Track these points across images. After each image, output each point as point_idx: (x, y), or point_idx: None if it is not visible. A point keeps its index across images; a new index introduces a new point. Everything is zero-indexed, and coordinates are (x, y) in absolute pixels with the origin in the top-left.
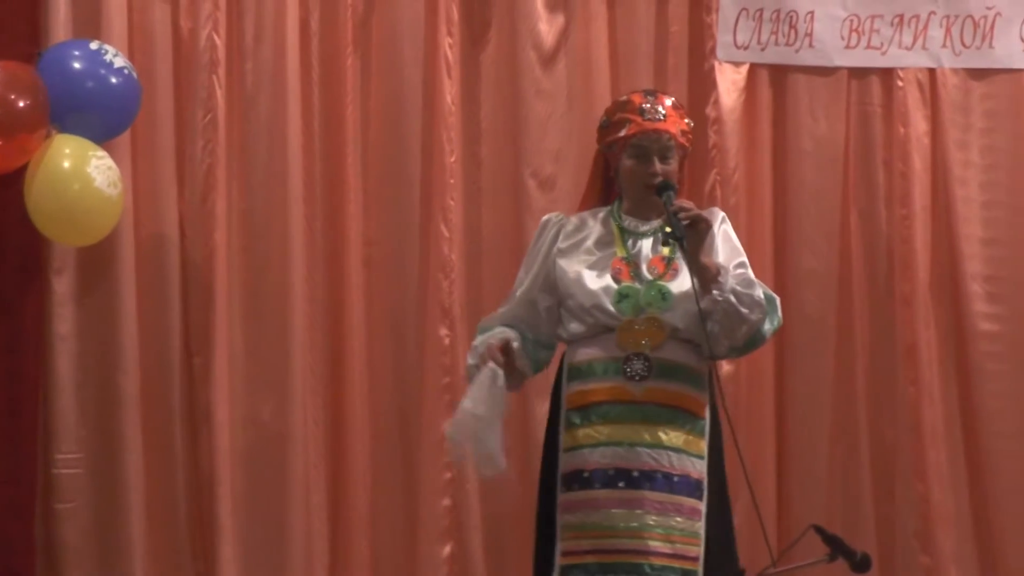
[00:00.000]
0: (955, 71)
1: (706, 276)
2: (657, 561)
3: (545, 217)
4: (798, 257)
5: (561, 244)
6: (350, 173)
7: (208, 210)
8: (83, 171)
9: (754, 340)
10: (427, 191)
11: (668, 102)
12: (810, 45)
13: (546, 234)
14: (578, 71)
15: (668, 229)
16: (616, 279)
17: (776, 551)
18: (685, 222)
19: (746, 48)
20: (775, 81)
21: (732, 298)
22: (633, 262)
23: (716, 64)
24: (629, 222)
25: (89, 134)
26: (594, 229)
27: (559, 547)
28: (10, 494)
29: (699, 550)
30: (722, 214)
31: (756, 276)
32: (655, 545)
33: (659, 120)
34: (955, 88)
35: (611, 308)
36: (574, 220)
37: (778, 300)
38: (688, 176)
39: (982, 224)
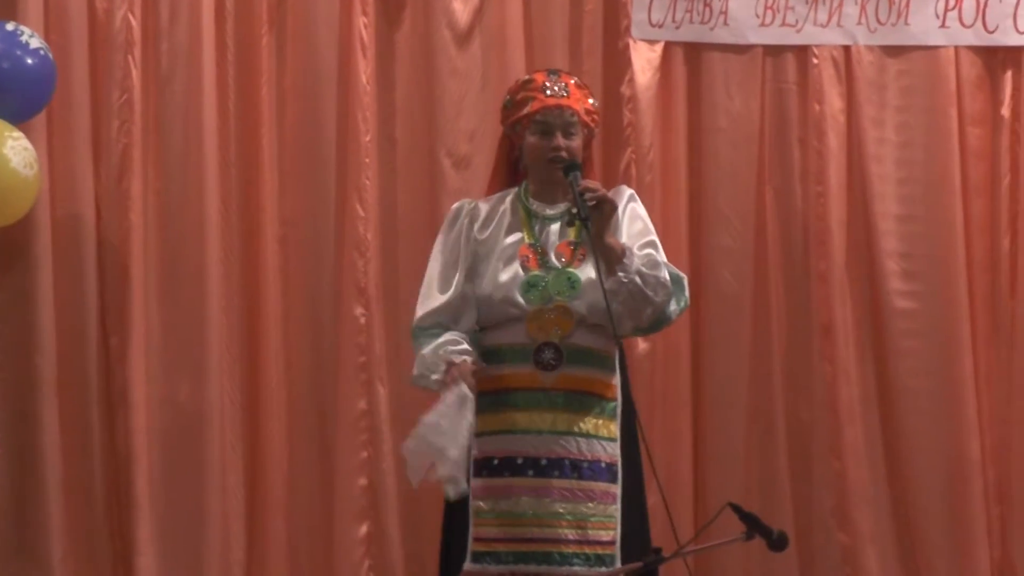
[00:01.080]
0: (870, 48)
1: (611, 257)
2: (567, 549)
3: (455, 205)
4: (713, 235)
5: (479, 235)
6: (265, 153)
7: (124, 191)
8: None
9: (659, 321)
10: (342, 170)
11: (572, 81)
12: (725, 23)
13: (460, 223)
14: (493, 50)
15: (574, 210)
16: (524, 267)
17: (693, 529)
18: (591, 203)
19: (661, 26)
20: (690, 59)
21: (637, 279)
22: (541, 248)
23: (631, 42)
24: (536, 205)
25: (5, 115)
26: (503, 215)
27: (471, 532)
28: None
29: (615, 533)
30: (630, 192)
31: (671, 254)
32: (564, 533)
33: (562, 96)
34: (870, 65)
35: (520, 300)
36: (484, 207)
37: (685, 280)
38: (603, 154)
39: (897, 201)
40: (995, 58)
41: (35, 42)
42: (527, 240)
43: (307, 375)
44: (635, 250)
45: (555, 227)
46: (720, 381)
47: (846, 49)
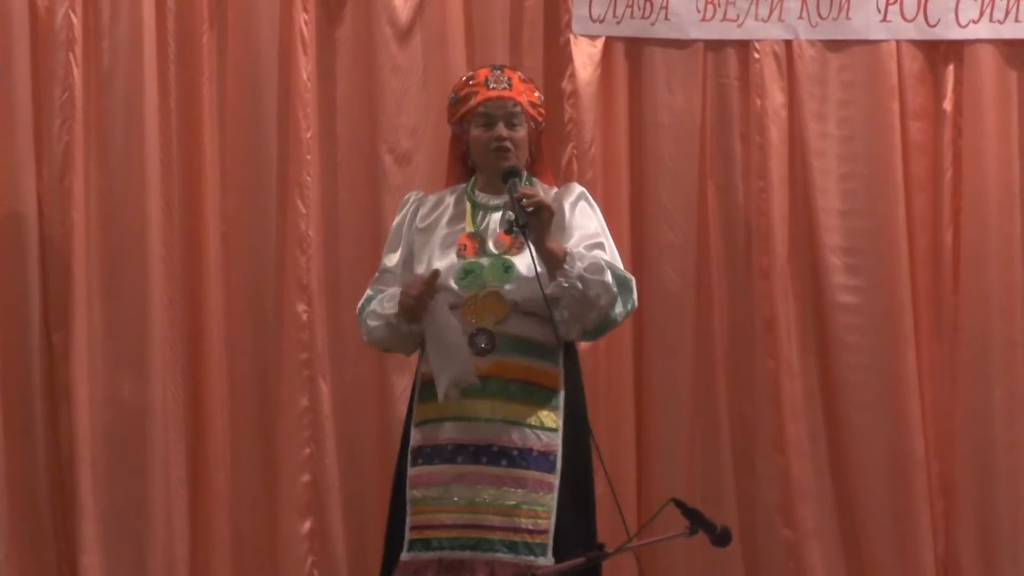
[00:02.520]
0: (812, 43)
1: (552, 262)
2: (492, 535)
3: (406, 195)
4: (656, 231)
5: (419, 223)
6: (207, 150)
7: (66, 188)
8: None
9: (605, 324)
10: (283, 167)
11: (516, 75)
12: (666, 18)
13: (405, 211)
14: (434, 46)
15: (512, 216)
16: (460, 255)
17: (636, 525)
18: (529, 209)
19: (602, 21)
20: (631, 54)
21: (579, 284)
22: (480, 237)
23: (572, 38)
24: (482, 197)
25: None
26: (448, 207)
27: (408, 521)
28: None
29: (547, 523)
30: (581, 189)
31: (615, 250)
32: (491, 519)
33: (504, 88)
34: (812, 60)
35: (454, 286)
36: (432, 198)
37: (633, 282)
38: (545, 150)
39: (840, 196)
40: (937, 52)
41: None
42: (468, 229)
43: (250, 372)
44: (581, 251)
45: (496, 215)
46: (663, 377)
47: (787, 44)
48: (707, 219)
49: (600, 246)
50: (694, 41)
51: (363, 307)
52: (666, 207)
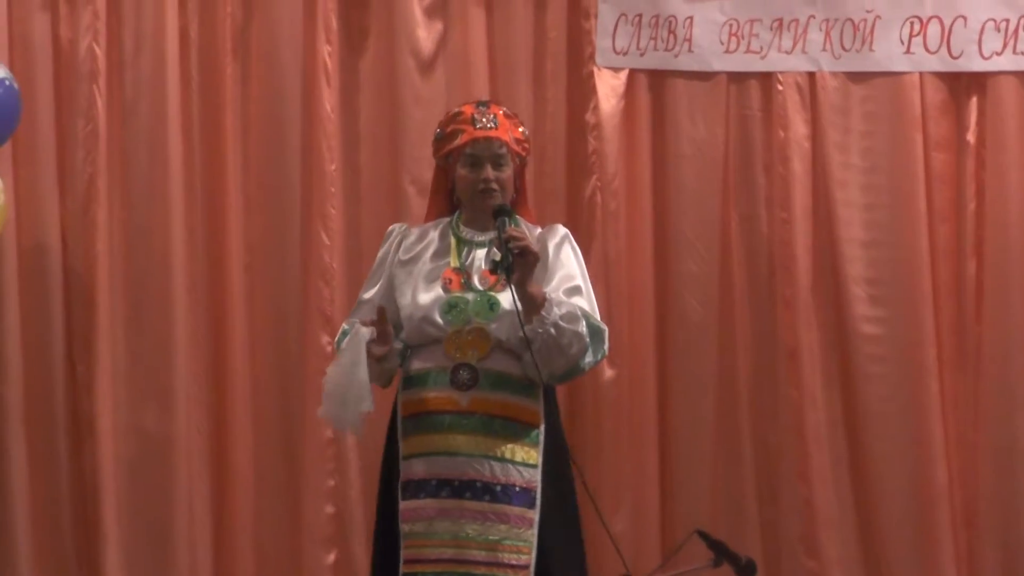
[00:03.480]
0: (835, 74)
1: (531, 306)
2: (477, 571)
3: (390, 227)
4: (679, 261)
5: (402, 256)
6: (230, 181)
7: (90, 220)
8: None
9: (572, 371)
10: (307, 199)
11: (501, 111)
12: (689, 50)
13: (389, 243)
14: (457, 78)
15: (497, 257)
16: (445, 289)
17: (660, 557)
18: (515, 252)
19: (625, 53)
20: (654, 86)
21: (552, 331)
22: (465, 272)
23: (595, 70)
24: (467, 232)
25: None
26: (432, 241)
27: (401, 555)
28: None
29: (529, 558)
30: (565, 232)
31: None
32: (474, 554)
33: (490, 128)
34: (835, 91)
35: (439, 320)
36: (415, 231)
37: (606, 332)
38: (568, 182)
39: (863, 227)
40: (960, 83)
41: None
42: (452, 264)
43: (273, 403)
44: (561, 296)
45: (482, 252)
46: (686, 407)
47: (811, 75)
48: (730, 250)
49: (578, 290)
50: (717, 73)
51: (338, 341)
52: (689, 238)
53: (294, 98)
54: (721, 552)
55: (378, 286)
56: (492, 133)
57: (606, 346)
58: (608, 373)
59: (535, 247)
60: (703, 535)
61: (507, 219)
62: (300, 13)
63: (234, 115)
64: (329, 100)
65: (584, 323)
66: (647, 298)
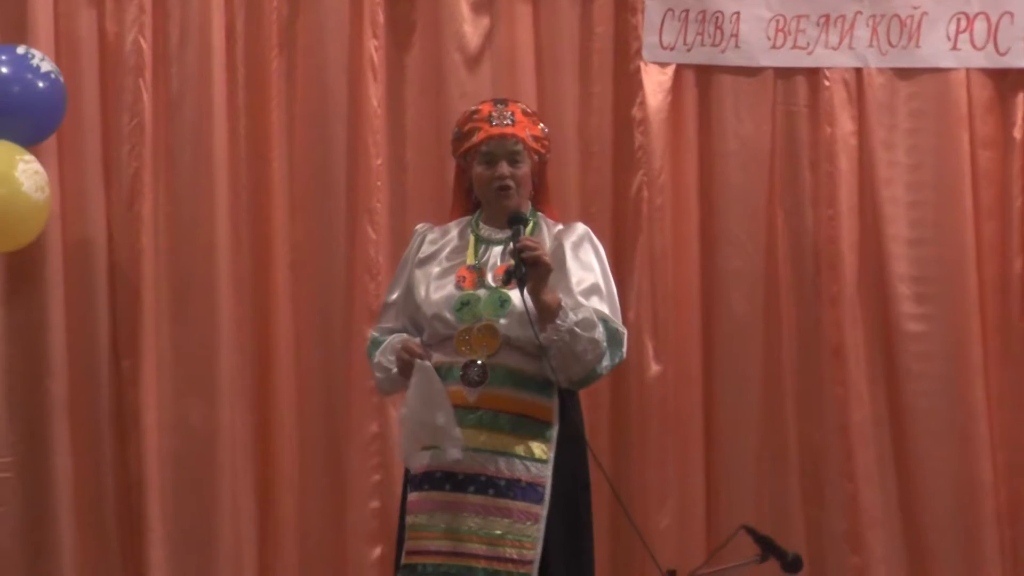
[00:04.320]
0: (881, 71)
1: (545, 314)
2: (477, 564)
3: (416, 227)
4: (725, 258)
5: (420, 254)
6: (276, 176)
7: (135, 214)
8: (10, 175)
9: (589, 377)
10: (353, 194)
11: (519, 109)
12: (736, 45)
13: (412, 244)
14: (503, 73)
15: (512, 265)
16: (459, 287)
17: (706, 552)
18: (528, 261)
19: (672, 49)
20: (701, 82)
21: (567, 338)
22: (480, 270)
23: (642, 65)
24: (486, 230)
25: (16, 138)
26: (452, 239)
27: (404, 546)
28: None
29: (533, 554)
30: (585, 229)
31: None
32: (474, 547)
33: (507, 125)
34: (881, 88)
35: (450, 317)
36: (437, 230)
37: (624, 335)
38: (614, 177)
39: (908, 224)
40: (1006, 80)
41: (46, 66)
42: (468, 262)
43: (319, 398)
44: (579, 300)
45: (498, 249)
46: (732, 404)
47: (857, 72)
48: (776, 247)
49: (596, 290)
50: (764, 69)
51: (370, 351)
52: (735, 234)
53: (340, 93)
54: (768, 547)
55: (401, 288)
56: (508, 130)
57: (624, 349)
58: (654, 369)
59: (548, 257)
60: (750, 530)
61: (521, 228)
62: (346, 8)
63: (280, 109)
64: (375, 95)
65: (601, 328)
66: (693, 294)
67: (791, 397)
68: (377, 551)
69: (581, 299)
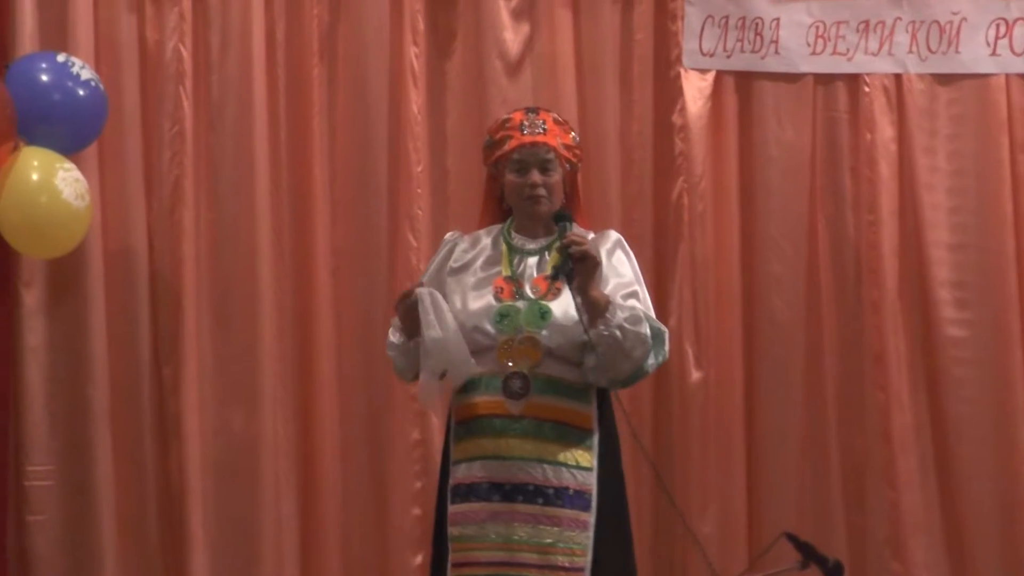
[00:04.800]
0: (921, 76)
1: (594, 310)
2: (528, 573)
3: (446, 235)
4: (766, 264)
5: (453, 264)
6: (317, 183)
7: (176, 221)
8: (51, 183)
9: (636, 375)
10: (394, 200)
11: (551, 117)
12: (776, 52)
13: (442, 250)
14: (544, 79)
15: (558, 262)
16: (497, 298)
17: (747, 559)
18: (575, 256)
19: (712, 55)
20: (741, 88)
21: (618, 334)
22: (517, 281)
23: (682, 71)
24: (518, 240)
25: (56, 146)
26: (484, 248)
27: (449, 558)
28: None
29: (584, 560)
30: (617, 237)
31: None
32: (525, 557)
33: (538, 133)
34: (921, 93)
35: (490, 328)
36: (468, 239)
37: (667, 334)
38: (654, 184)
39: (949, 230)
40: None
41: (86, 73)
42: (504, 273)
43: (360, 404)
44: (619, 300)
45: (533, 260)
46: (773, 410)
47: (897, 77)
48: (817, 252)
49: (635, 295)
50: (804, 75)
51: (390, 347)
52: (776, 240)
53: (381, 100)
54: (809, 554)
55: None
56: (540, 138)
57: (667, 348)
58: (695, 375)
59: (596, 251)
60: (791, 537)
61: (567, 224)
62: (387, 15)
63: (321, 117)
64: (416, 102)
65: (646, 325)
66: (734, 300)
67: (832, 403)
68: (419, 558)
69: (622, 302)
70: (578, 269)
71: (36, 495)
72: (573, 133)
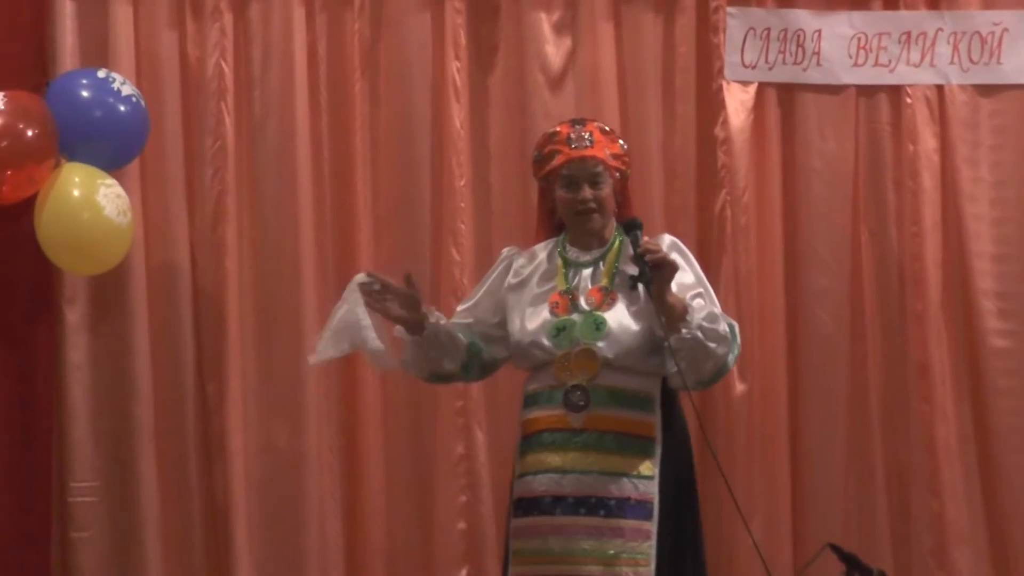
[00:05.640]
0: (963, 87)
1: (673, 315)
2: None
3: (503, 251)
4: (809, 276)
5: (512, 279)
6: (360, 198)
7: (219, 238)
8: (92, 200)
9: (720, 372)
10: (437, 215)
11: (597, 128)
12: (818, 63)
13: (498, 266)
14: (586, 93)
15: (635, 271)
16: (553, 313)
17: (792, 570)
18: (651, 264)
19: (754, 67)
20: (783, 100)
21: (700, 335)
22: (572, 294)
23: (724, 84)
24: (572, 253)
25: (98, 162)
26: (540, 263)
27: (510, 572)
28: (26, 523)
29: (648, 570)
30: (671, 239)
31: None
32: (590, 570)
33: (585, 147)
34: (963, 104)
35: (548, 344)
36: (524, 255)
37: (737, 327)
38: (697, 196)
39: (993, 241)
40: None
41: (127, 89)
42: (559, 288)
43: (405, 420)
44: (692, 304)
45: (587, 272)
46: (818, 421)
47: (939, 88)
48: (860, 264)
49: (703, 296)
50: (846, 86)
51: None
52: (819, 252)
53: (423, 114)
54: (852, 565)
55: (474, 300)
56: (587, 152)
57: (739, 341)
58: (739, 388)
59: (671, 257)
60: (835, 548)
61: (638, 233)
62: (429, 29)
63: (363, 131)
64: (458, 116)
65: (723, 322)
66: (777, 312)
67: (877, 414)
68: (464, 572)
69: (695, 304)
70: (655, 276)
71: (80, 512)
72: (620, 141)
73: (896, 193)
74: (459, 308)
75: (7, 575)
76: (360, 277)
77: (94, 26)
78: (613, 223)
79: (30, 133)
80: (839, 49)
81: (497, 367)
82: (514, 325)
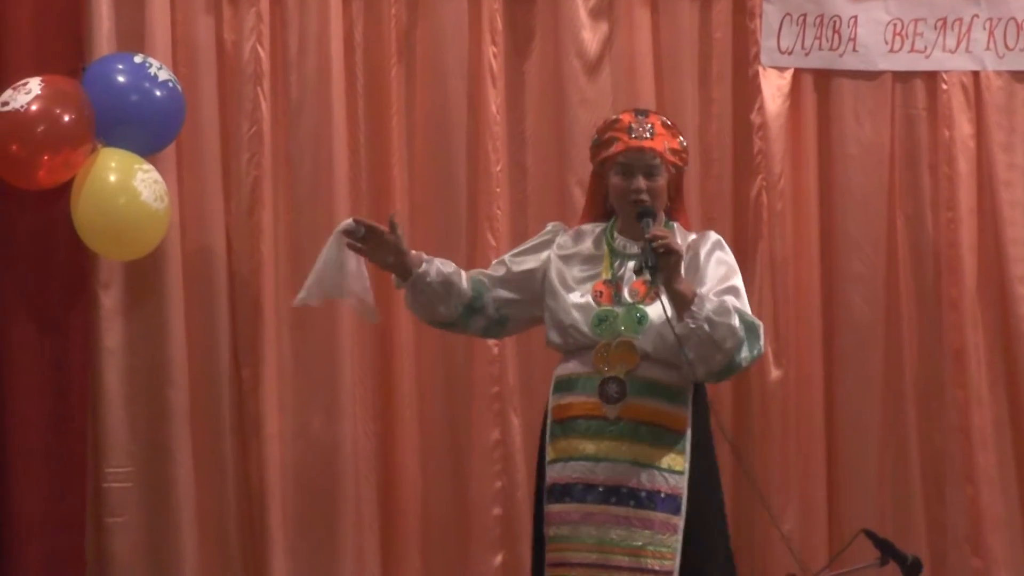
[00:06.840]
0: (999, 73)
1: (680, 303)
2: (619, 575)
3: (548, 224)
4: (845, 262)
5: (559, 251)
6: (396, 183)
7: (255, 222)
8: (129, 185)
9: (731, 367)
10: (473, 200)
11: (659, 121)
12: (854, 49)
13: (544, 234)
14: (622, 79)
15: (643, 258)
16: (596, 301)
17: (827, 556)
18: (659, 251)
19: (790, 53)
20: (819, 86)
21: (705, 326)
22: (616, 284)
23: (760, 70)
24: (620, 242)
25: (134, 147)
26: (587, 244)
27: (546, 558)
28: (61, 509)
29: (672, 564)
30: (716, 238)
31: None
32: (618, 559)
33: (646, 138)
34: (999, 90)
35: (587, 330)
36: (571, 233)
37: (761, 328)
38: (733, 183)
39: None
40: None
41: (163, 74)
42: (604, 276)
43: (440, 405)
44: (711, 296)
45: (632, 264)
46: (853, 407)
47: (975, 74)
48: (896, 250)
49: (732, 291)
50: (882, 72)
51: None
52: (855, 238)
53: (459, 99)
54: (887, 551)
55: (517, 257)
56: (647, 144)
57: (762, 342)
58: (775, 373)
59: (678, 245)
60: (870, 534)
61: (650, 220)
62: (465, 14)
63: (399, 117)
64: (495, 101)
65: (736, 317)
66: (813, 298)
67: (912, 400)
68: (499, 558)
69: (713, 296)
70: (662, 263)
71: (115, 497)
72: (680, 137)
73: (932, 179)
74: (495, 261)
75: (43, 560)
76: (345, 223)
77: (130, 11)
78: (663, 216)
79: (67, 118)
80: (875, 35)
81: (509, 325)
82: (554, 298)
